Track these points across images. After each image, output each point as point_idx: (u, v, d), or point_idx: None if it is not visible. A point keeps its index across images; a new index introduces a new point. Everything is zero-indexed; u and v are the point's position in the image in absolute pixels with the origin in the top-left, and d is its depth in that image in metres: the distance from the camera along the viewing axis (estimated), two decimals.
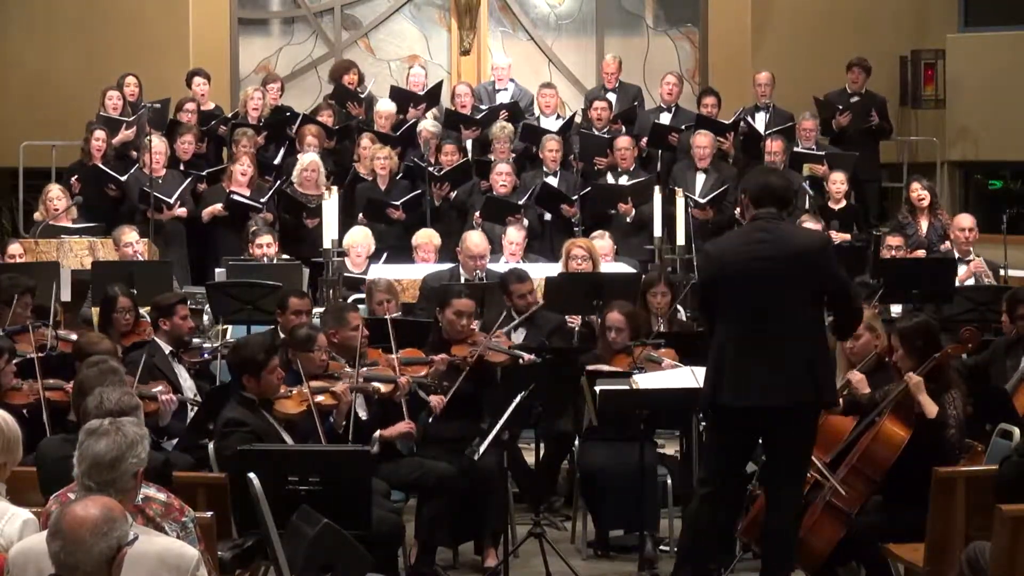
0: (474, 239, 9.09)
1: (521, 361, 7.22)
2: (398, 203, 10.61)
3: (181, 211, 10.56)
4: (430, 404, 6.95)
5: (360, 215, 10.68)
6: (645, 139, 11.62)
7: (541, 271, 8.90)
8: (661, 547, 6.87)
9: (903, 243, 9.83)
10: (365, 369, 6.69)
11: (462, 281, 8.70)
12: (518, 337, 7.89)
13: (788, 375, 5.56)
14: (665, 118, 11.93)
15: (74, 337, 7.82)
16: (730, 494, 5.84)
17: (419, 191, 10.72)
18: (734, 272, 5.67)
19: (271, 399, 6.11)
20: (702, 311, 6.27)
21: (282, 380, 6.17)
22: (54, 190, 10.41)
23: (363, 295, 8.73)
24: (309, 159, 10.75)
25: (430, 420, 7.00)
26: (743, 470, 5.95)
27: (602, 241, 9.57)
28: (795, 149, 11.34)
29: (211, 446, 6.05)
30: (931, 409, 5.76)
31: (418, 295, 8.87)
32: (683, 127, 11.64)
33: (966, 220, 9.74)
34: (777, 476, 5.74)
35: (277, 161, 11.25)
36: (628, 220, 10.61)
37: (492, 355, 7.18)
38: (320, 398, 6.32)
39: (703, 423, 6.44)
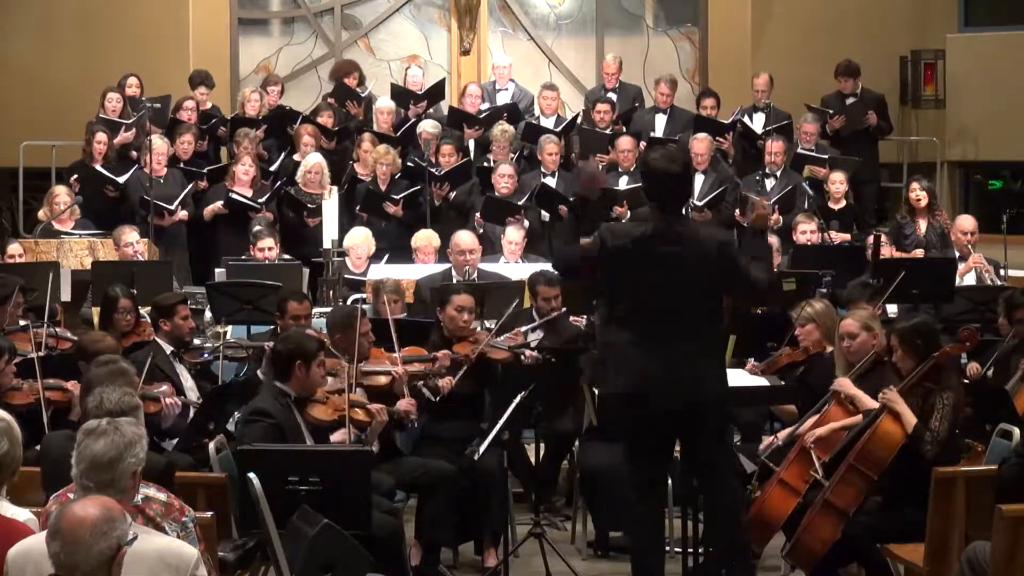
0: (463, 236, 9.13)
1: (523, 358, 7.24)
2: (397, 197, 10.62)
3: (182, 214, 10.56)
4: (439, 384, 6.97)
5: (358, 208, 10.69)
6: (644, 143, 11.59)
7: None
8: None
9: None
10: (363, 364, 6.71)
11: (454, 281, 8.71)
12: (534, 339, 7.90)
13: (685, 374, 5.52)
14: (660, 119, 11.93)
15: (68, 334, 7.82)
16: (662, 496, 5.86)
17: (418, 187, 10.72)
18: (629, 266, 5.58)
19: (306, 399, 6.14)
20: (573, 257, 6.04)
21: (325, 379, 6.23)
22: (61, 194, 10.39)
23: (363, 295, 8.74)
24: (314, 160, 10.76)
25: (430, 418, 7.03)
26: (665, 470, 5.90)
27: None
28: (798, 151, 11.35)
29: (211, 446, 6.05)
30: (910, 422, 5.75)
31: (413, 298, 8.88)
32: (677, 137, 11.63)
33: (968, 223, 9.74)
34: (702, 480, 5.75)
35: (275, 168, 11.21)
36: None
37: (494, 352, 7.19)
38: (356, 413, 6.34)
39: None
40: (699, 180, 10.97)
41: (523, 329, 7.63)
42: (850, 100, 12.18)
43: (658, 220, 5.65)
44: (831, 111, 11.98)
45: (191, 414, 6.91)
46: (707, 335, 5.64)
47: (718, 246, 5.67)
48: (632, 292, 5.61)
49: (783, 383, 6.76)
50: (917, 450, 5.71)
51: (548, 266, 8.10)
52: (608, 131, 11.57)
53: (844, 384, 6.13)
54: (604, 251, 5.66)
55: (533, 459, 7.39)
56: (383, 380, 6.75)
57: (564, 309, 7.97)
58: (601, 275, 5.73)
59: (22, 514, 4.29)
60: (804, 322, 6.95)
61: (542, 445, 7.18)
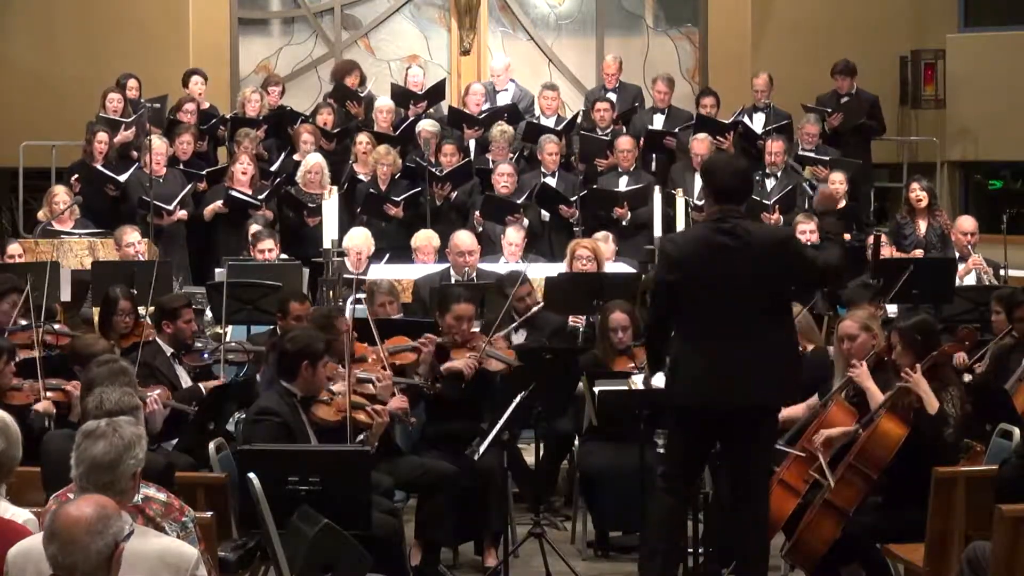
0: (461, 237, 9.13)
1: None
2: (398, 199, 10.62)
3: (181, 214, 10.55)
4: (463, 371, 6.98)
5: (359, 210, 10.69)
6: (642, 141, 11.60)
7: (541, 271, 8.91)
8: None
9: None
10: (357, 370, 6.71)
11: (452, 281, 8.70)
12: (519, 338, 7.90)
13: (747, 378, 5.51)
14: (659, 119, 11.94)
15: (67, 330, 7.81)
16: (687, 491, 5.85)
17: (418, 188, 10.72)
18: (695, 275, 5.56)
19: (311, 399, 6.15)
20: (654, 310, 5.92)
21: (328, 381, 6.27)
22: (60, 193, 10.38)
23: (363, 295, 8.73)
24: (313, 160, 10.77)
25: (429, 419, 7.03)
26: (702, 469, 5.96)
27: (605, 245, 9.56)
28: (799, 151, 11.35)
29: (211, 445, 6.05)
30: (933, 403, 5.76)
31: (411, 298, 8.88)
32: (676, 131, 11.62)
33: (968, 223, 9.75)
34: (736, 485, 5.71)
35: (275, 168, 11.20)
36: (624, 224, 10.63)
37: (491, 363, 7.16)
38: (359, 415, 6.34)
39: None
40: (699, 179, 10.94)
41: (503, 331, 7.62)
42: (845, 99, 12.18)
43: (717, 221, 5.65)
44: (829, 109, 11.97)
45: (191, 418, 6.89)
46: (769, 338, 5.59)
47: (779, 242, 5.68)
48: (692, 296, 5.59)
49: None
50: (937, 435, 5.72)
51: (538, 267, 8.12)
52: (608, 131, 11.57)
53: (861, 374, 6.10)
54: (671, 266, 5.65)
55: (533, 459, 7.38)
56: (370, 388, 6.74)
57: (541, 303, 7.99)
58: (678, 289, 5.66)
59: (22, 514, 4.29)
60: None
61: (542, 445, 7.18)
